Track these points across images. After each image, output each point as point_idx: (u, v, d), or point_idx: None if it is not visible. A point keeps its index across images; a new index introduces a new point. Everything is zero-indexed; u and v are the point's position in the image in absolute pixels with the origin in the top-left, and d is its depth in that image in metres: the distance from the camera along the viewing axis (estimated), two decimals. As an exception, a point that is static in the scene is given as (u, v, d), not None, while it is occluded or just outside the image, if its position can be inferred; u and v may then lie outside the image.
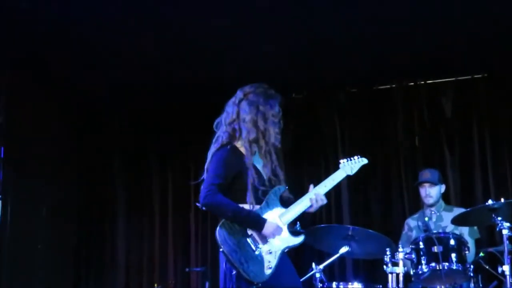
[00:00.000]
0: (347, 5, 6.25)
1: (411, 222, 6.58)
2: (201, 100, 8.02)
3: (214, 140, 4.48)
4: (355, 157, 4.68)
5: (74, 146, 8.54)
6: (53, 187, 7.95)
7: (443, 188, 6.58)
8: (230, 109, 4.48)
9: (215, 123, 4.54)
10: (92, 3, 6.11)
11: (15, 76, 7.31)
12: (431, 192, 6.43)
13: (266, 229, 4.21)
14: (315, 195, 4.41)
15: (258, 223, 4.22)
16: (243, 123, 4.38)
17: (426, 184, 6.46)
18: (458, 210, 6.21)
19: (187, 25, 6.57)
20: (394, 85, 7.98)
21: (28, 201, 7.54)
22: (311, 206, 4.41)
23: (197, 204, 4.40)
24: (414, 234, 6.37)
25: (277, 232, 4.24)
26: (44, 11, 6.19)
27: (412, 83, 7.92)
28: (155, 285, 7.81)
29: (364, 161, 4.70)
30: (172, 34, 6.74)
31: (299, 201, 4.42)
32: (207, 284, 6.99)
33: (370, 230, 5.85)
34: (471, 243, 6.12)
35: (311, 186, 4.50)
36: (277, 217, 4.30)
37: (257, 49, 7.00)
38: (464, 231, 6.25)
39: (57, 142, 8.09)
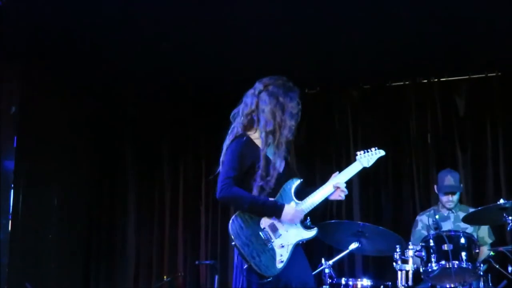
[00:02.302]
0: (361, 2, 6.24)
1: (425, 219, 6.55)
2: (213, 95, 8.04)
3: (229, 131, 4.46)
4: (372, 149, 4.60)
5: (86, 137, 8.57)
6: (64, 178, 7.99)
7: (462, 188, 6.58)
8: (249, 100, 4.44)
9: (232, 114, 4.51)
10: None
11: (29, 66, 7.35)
12: (454, 198, 6.43)
13: (285, 215, 4.22)
14: (337, 183, 4.41)
15: (276, 210, 4.22)
16: (262, 114, 4.35)
17: (450, 193, 6.44)
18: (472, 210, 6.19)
19: (201, 21, 6.57)
20: (407, 82, 7.96)
21: (40, 191, 7.59)
22: (332, 193, 4.41)
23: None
24: (426, 232, 6.34)
25: (297, 216, 4.24)
26: (60, 2, 6.20)
27: (426, 81, 7.88)
28: (165, 277, 7.86)
29: (381, 153, 4.61)
30: (188, 31, 6.75)
31: (319, 190, 4.41)
32: (216, 277, 7.01)
33: (380, 227, 5.85)
34: (487, 245, 6.14)
35: (337, 173, 4.51)
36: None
37: (271, 45, 7.00)
38: (484, 233, 6.27)
39: (70, 133, 8.11)
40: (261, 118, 4.35)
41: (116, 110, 8.84)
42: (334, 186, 4.41)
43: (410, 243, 5.43)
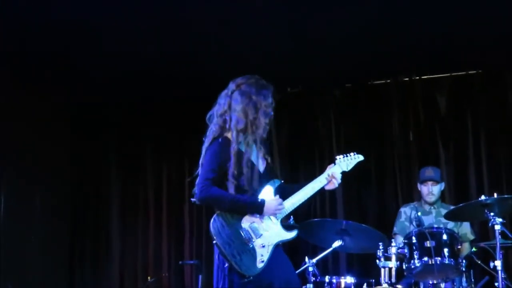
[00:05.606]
0: (342, 2, 6.26)
1: (408, 211, 6.55)
2: (195, 95, 8.01)
3: (207, 134, 4.46)
4: (351, 154, 4.67)
5: (68, 140, 8.54)
6: (47, 181, 7.96)
7: (443, 186, 6.61)
8: (222, 100, 4.46)
9: (208, 115, 4.53)
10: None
11: (8, 72, 7.30)
12: (434, 190, 6.45)
13: (267, 210, 4.23)
14: (332, 173, 4.50)
15: (257, 206, 4.23)
16: (234, 113, 4.37)
17: (430, 182, 6.46)
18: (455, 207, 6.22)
19: (184, 21, 6.56)
20: (389, 81, 7.99)
21: (22, 194, 7.56)
22: (327, 184, 4.50)
23: (192, 199, 4.40)
24: (409, 224, 6.36)
25: (279, 207, 4.26)
26: (35, 7, 6.16)
27: (407, 79, 7.92)
28: (149, 278, 7.85)
29: (360, 158, 4.69)
30: (170, 30, 6.73)
31: (305, 188, 4.44)
32: (200, 277, 7.00)
33: (364, 225, 5.88)
34: (468, 243, 6.17)
35: (332, 164, 4.58)
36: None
37: (253, 45, 7.00)
38: (466, 230, 6.30)
39: (52, 137, 8.09)
40: (232, 117, 4.37)
41: (99, 113, 8.81)
42: (330, 175, 4.49)
43: (393, 240, 5.46)
